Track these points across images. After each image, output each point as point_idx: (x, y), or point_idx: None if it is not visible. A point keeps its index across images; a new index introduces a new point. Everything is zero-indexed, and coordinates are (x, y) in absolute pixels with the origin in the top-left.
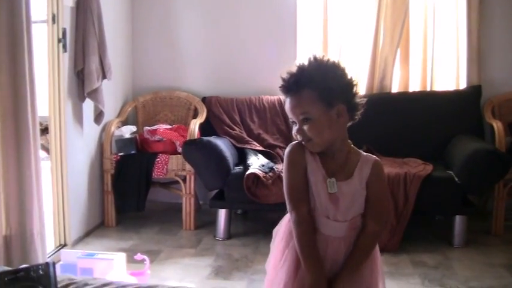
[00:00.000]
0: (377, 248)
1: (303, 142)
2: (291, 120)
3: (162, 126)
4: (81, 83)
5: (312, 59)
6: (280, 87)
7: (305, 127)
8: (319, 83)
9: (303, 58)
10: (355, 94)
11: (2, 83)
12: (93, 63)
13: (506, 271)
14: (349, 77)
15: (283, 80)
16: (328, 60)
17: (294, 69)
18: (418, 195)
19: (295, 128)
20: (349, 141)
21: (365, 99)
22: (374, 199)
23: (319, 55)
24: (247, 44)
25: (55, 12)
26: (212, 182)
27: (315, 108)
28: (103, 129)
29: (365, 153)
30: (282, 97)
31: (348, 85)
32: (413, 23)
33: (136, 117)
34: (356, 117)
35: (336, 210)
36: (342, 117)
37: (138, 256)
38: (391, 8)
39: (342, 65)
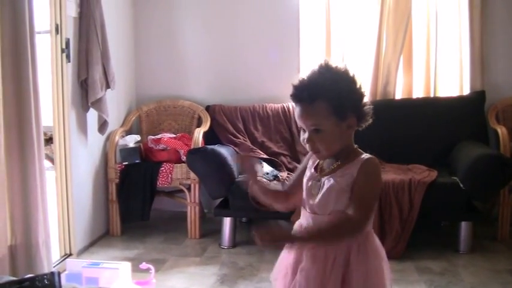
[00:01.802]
0: (382, 264)
1: (311, 151)
2: (300, 126)
3: (166, 135)
4: (85, 93)
5: (323, 66)
6: (291, 95)
7: (315, 138)
8: (333, 96)
9: (312, 65)
10: (364, 104)
11: (6, 93)
12: (97, 73)
13: (511, 277)
14: (358, 85)
15: (295, 87)
16: (339, 68)
17: (305, 76)
18: (423, 202)
19: (303, 135)
20: (355, 146)
21: (371, 108)
22: (357, 192)
23: (329, 62)
24: (250, 52)
25: (58, 22)
26: (216, 191)
27: (327, 121)
28: (107, 139)
29: (364, 156)
30: (286, 104)
31: (359, 96)
32: (416, 29)
33: (140, 127)
34: (363, 124)
35: (313, 202)
36: (351, 129)
37: (143, 265)
38: (394, 14)
39: (351, 72)
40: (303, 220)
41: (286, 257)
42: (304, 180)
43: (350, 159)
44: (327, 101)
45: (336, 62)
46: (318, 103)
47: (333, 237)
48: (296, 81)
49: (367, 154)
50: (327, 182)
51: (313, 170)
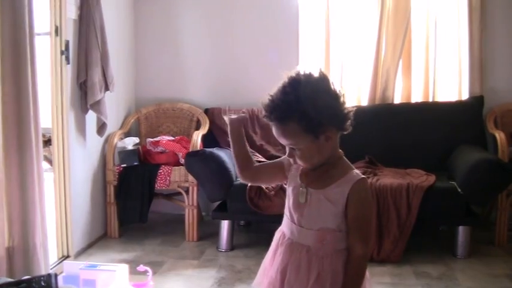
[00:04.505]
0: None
1: (294, 164)
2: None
3: (165, 138)
4: (84, 95)
5: (291, 82)
6: (263, 116)
7: (295, 154)
8: (303, 116)
9: (283, 78)
10: (342, 110)
11: (5, 95)
12: (96, 75)
13: (509, 282)
14: (334, 92)
15: (265, 109)
16: (308, 80)
17: (274, 96)
18: (421, 206)
19: (287, 152)
20: (340, 152)
21: (353, 109)
22: (355, 220)
23: (298, 75)
24: (250, 56)
25: (58, 24)
26: (214, 194)
27: (302, 140)
28: (106, 141)
29: (355, 172)
30: None
31: (334, 106)
32: (415, 34)
33: (139, 129)
34: (346, 128)
35: (300, 216)
36: (331, 140)
37: (141, 267)
38: (393, 19)
39: (325, 79)
40: (285, 228)
41: (269, 267)
42: (289, 190)
43: (340, 173)
44: (297, 122)
45: (306, 70)
46: (290, 124)
47: (359, 281)
48: (265, 101)
49: (357, 171)
50: (316, 196)
51: (298, 180)
